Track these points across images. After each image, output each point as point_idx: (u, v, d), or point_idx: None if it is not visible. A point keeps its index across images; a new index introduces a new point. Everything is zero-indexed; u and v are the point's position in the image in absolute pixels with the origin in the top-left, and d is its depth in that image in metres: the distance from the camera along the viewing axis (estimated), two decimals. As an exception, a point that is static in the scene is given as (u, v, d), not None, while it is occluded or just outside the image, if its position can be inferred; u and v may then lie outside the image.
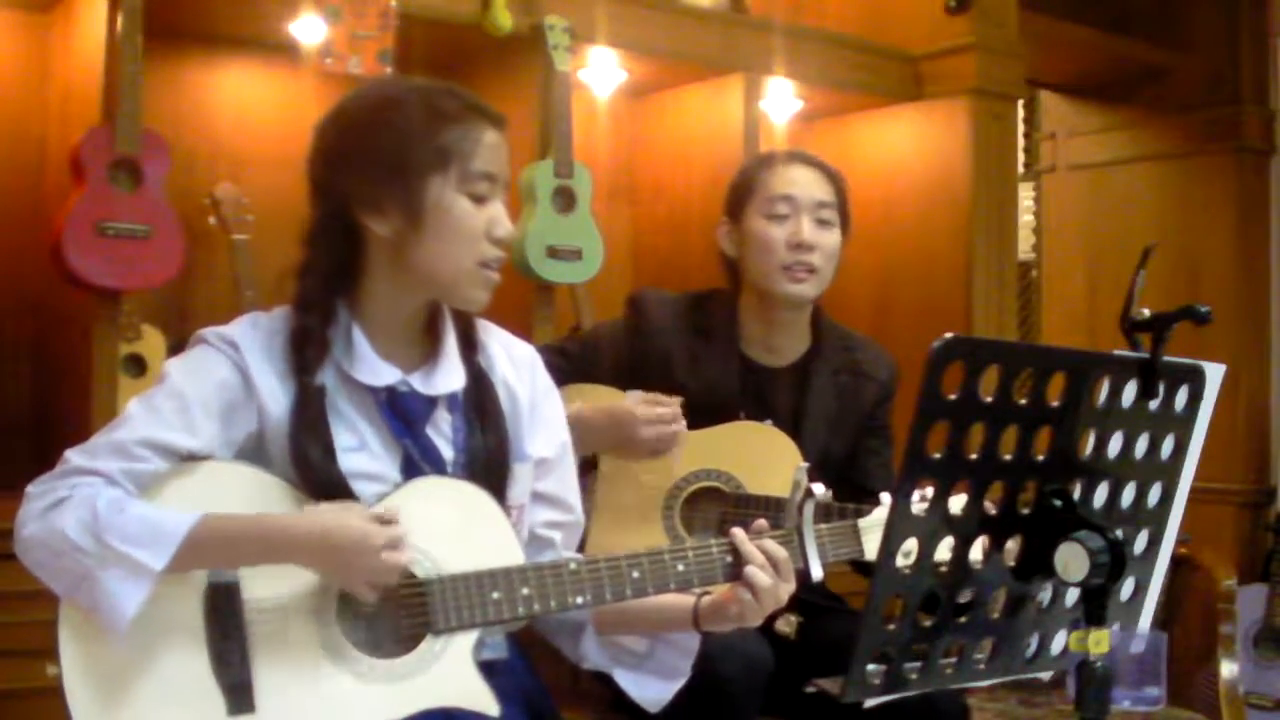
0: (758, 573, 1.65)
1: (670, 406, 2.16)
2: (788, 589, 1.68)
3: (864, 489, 2.23)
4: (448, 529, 1.62)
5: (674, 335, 2.33)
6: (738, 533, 1.68)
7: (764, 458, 2.23)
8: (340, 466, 1.60)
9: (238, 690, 1.53)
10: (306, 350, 1.62)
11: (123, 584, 1.47)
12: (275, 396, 1.61)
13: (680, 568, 1.67)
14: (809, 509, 1.72)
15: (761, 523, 1.74)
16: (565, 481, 1.83)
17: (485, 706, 1.60)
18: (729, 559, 1.68)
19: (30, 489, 1.54)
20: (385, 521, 1.53)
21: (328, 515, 1.54)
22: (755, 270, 2.33)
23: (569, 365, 2.30)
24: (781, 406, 2.33)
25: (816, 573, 1.72)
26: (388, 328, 1.68)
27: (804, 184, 2.33)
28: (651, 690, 1.78)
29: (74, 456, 1.54)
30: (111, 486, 1.52)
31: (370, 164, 1.62)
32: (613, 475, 2.24)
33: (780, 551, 1.67)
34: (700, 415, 2.27)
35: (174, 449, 1.56)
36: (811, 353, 2.38)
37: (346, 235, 1.65)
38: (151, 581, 1.48)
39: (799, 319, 2.37)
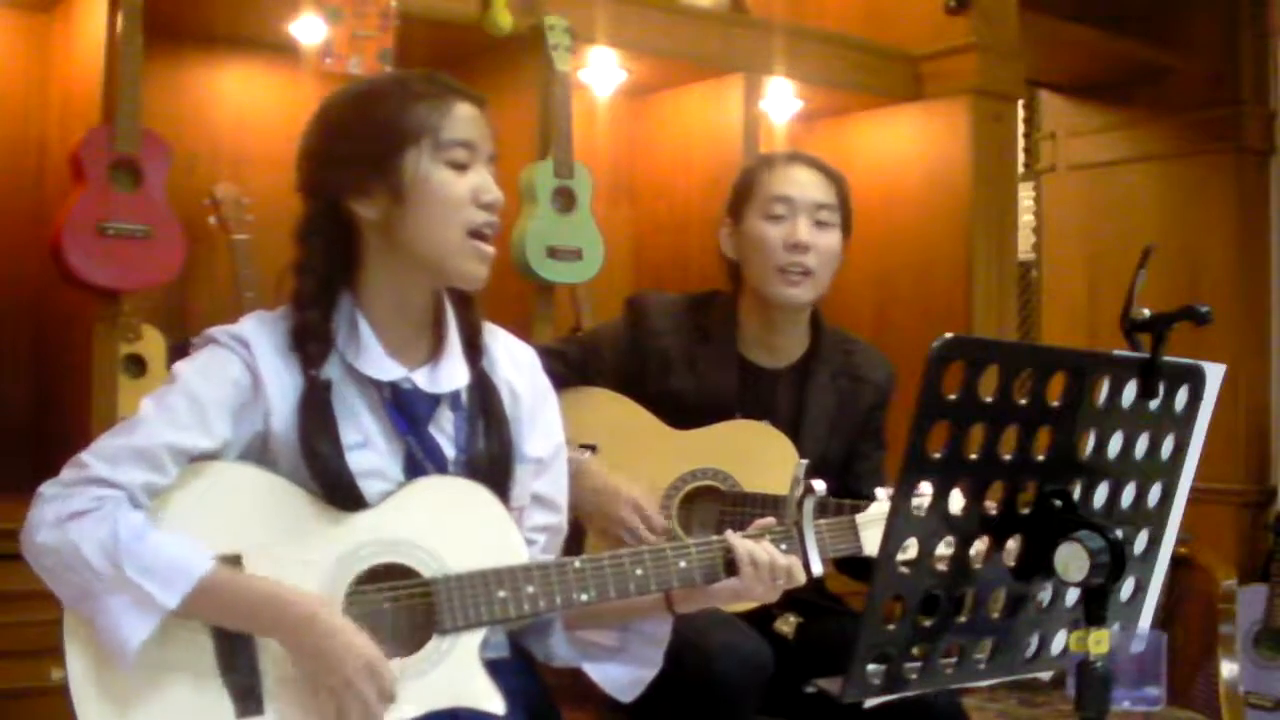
0: (745, 568, 1.68)
1: (657, 529, 2.17)
2: (773, 591, 1.71)
3: (855, 491, 2.23)
4: (453, 529, 1.62)
5: (673, 337, 2.32)
6: (730, 534, 1.71)
7: (761, 456, 2.23)
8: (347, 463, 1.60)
9: (246, 694, 1.53)
10: (309, 345, 1.62)
11: (130, 613, 1.47)
12: (283, 394, 1.61)
13: (683, 564, 1.68)
14: (809, 505, 1.73)
15: (768, 520, 1.75)
16: (557, 483, 1.83)
17: (492, 706, 1.59)
18: (732, 555, 1.70)
19: (45, 490, 1.53)
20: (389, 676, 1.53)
21: (346, 626, 1.53)
22: (752, 272, 2.32)
23: (568, 369, 2.29)
24: (781, 408, 2.32)
25: (816, 568, 1.74)
26: (393, 321, 1.68)
27: (802, 185, 2.32)
28: (623, 680, 1.78)
29: (93, 462, 1.52)
30: (134, 507, 1.51)
31: (350, 151, 1.64)
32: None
33: (762, 555, 1.69)
34: (699, 417, 2.27)
35: (191, 452, 1.56)
36: (810, 355, 2.37)
37: (338, 226, 1.66)
38: (159, 617, 1.48)
39: (798, 321, 2.36)
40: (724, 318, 2.36)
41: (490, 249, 1.67)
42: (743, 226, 2.34)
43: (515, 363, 1.80)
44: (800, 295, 2.30)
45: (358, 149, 1.63)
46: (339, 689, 1.50)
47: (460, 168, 1.64)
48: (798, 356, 2.37)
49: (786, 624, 2.11)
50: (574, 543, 2.07)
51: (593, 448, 2.27)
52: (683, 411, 2.27)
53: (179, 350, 1.70)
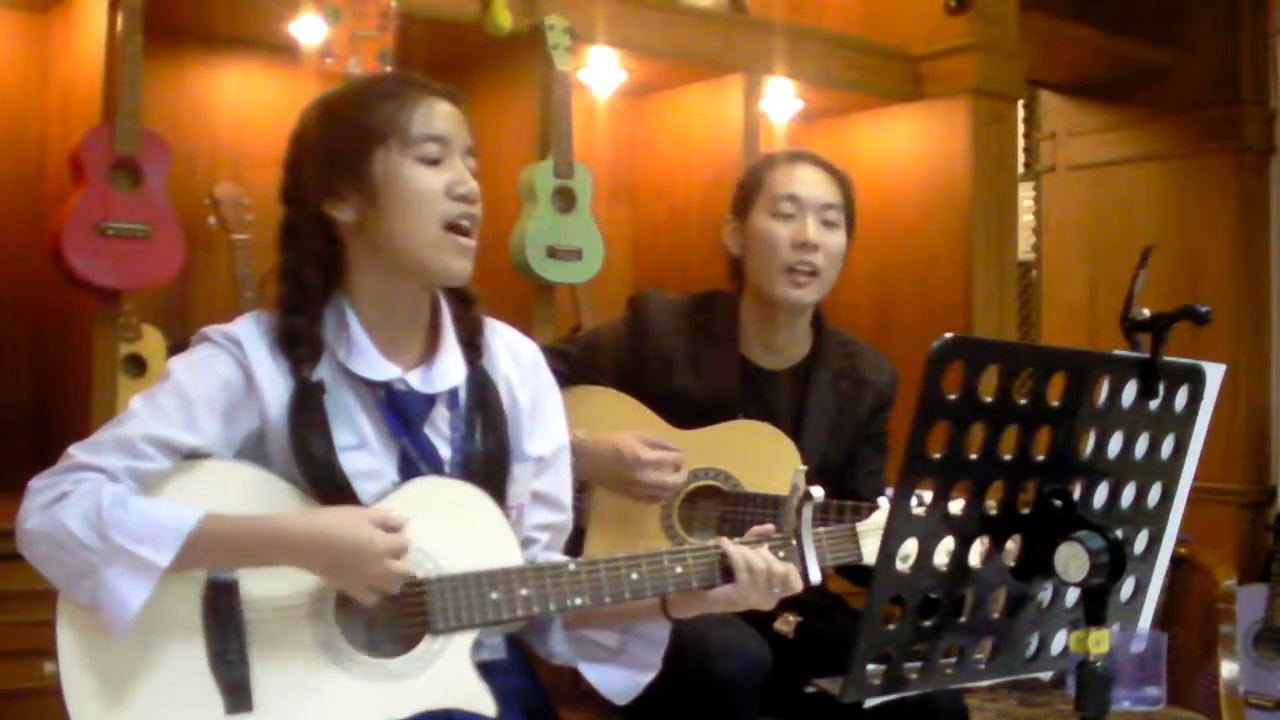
0: (741, 575, 1.67)
1: (676, 452, 2.17)
2: (770, 599, 1.69)
3: (855, 494, 2.22)
4: (447, 530, 1.62)
5: (675, 336, 2.32)
6: (724, 540, 1.70)
7: (762, 456, 2.23)
8: (341, 464, 1.60)
9: (236, 690, 1.53)
10: (298, 350, 1.63)
11: (126, 580, 1.47)
12: (277, 394, 1.61)
13: (678, 570, 1.67)
14: (807, 512, 1.73)
15: (767, 527, 1.74)
16: (560, 481, 1.83)
17: (483, 707, 1.60)
18: (728, 562, 1.69)
19: (33, 484, 1.54)
20: (390, 528, 1.53)
21: (331, 518, 1.54)
22: (757, 270, 2.32)
23: (569, 368, 2.29)
24: (782, 410, 2.32)
25: (815, 576, 1.73)
26: (386, 321, 1.68)
27: (811, 184, 2.32)
28: (620, 683, 1.77)
29: (77, 452, 1.55)
30: (114, 482, 1.52)
31: (320, 157, 1.64)
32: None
33: (759, 562, 1.68)
34: (700, 417, 2.27)
35: (177, 446, 1.56)
36: (812, 356, 2.37)
37: (318, 232, 1.66)
38: (155, 578, 1.48)
39: (800, 322, 2.36)
40: (726, 317, 2.36)
41: (470, 242, 1.66)
42: (748, 224, 2.34)
43: (516, 359, 1.80)
44: (805, 296, 2.29)
45: (327, 153, 1.64)
46: (361, 585, 1.52)
47: (432, 163, 1.64)
48: (800, 358, 2.37)
49: (786, 623, 2.10)
50: (574, 544, 2.07)
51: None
52: (684, 411, 2.27)
53: (178, 350, 1.70)
